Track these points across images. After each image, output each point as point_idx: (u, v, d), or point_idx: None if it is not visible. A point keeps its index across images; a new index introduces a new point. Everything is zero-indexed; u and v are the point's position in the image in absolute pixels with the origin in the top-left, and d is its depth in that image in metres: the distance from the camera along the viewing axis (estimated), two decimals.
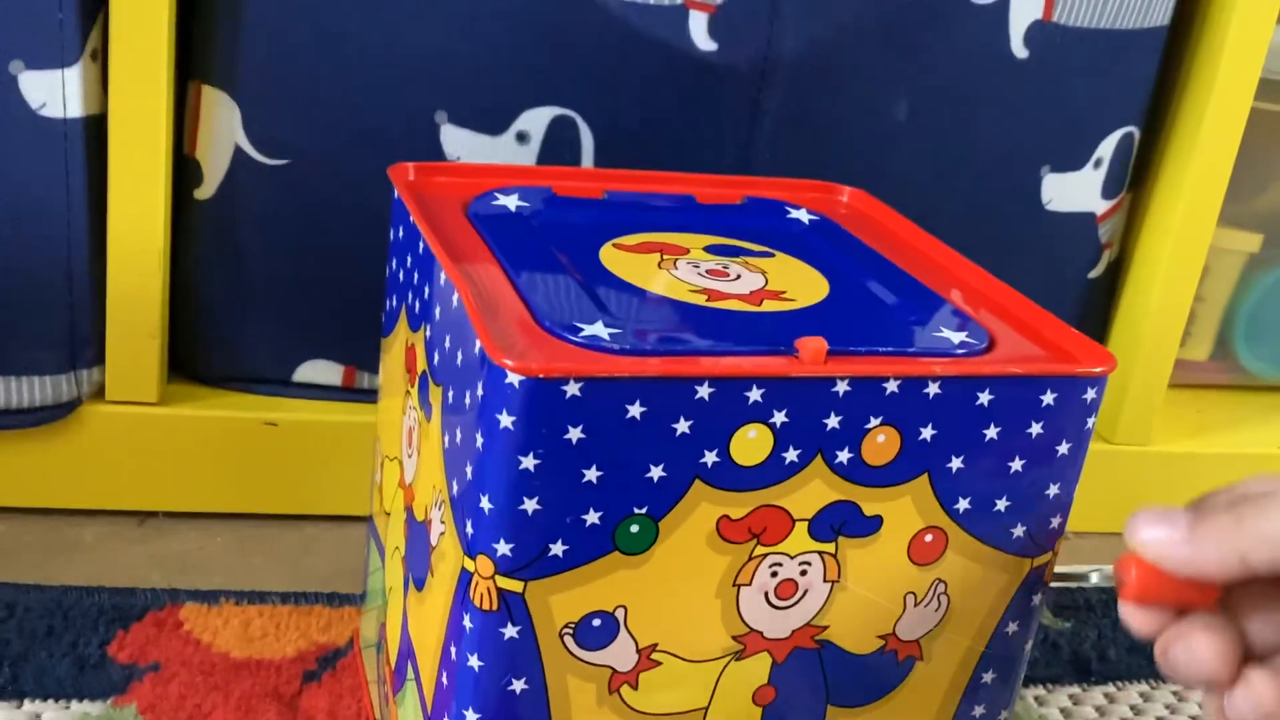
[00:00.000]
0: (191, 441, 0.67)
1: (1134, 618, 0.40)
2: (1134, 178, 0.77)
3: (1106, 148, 0.73)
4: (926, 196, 0.69)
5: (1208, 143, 0.73)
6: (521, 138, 0.65)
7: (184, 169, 0.65)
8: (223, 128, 0.64)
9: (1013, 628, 0.44)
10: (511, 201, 0.50)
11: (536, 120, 0.65)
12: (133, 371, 0.65)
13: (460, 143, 0.64)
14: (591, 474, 0.37)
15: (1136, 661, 0.65)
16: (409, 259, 0.48)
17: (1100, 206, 0.75)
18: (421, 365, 0.45)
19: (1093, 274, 0.77)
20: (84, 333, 0.64)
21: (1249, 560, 0.37)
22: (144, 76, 0.60)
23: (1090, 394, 0.41)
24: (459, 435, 0.39)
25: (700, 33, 0.64)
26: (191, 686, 0.56)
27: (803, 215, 0.53)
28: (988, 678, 0.44)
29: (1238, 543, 0.37)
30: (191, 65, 0.64)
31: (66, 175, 0.61)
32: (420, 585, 0.45)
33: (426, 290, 0.45)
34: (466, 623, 0.39)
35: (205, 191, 0.65)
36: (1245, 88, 0.72)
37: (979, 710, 0.45)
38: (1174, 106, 0.75)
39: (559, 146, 0.65)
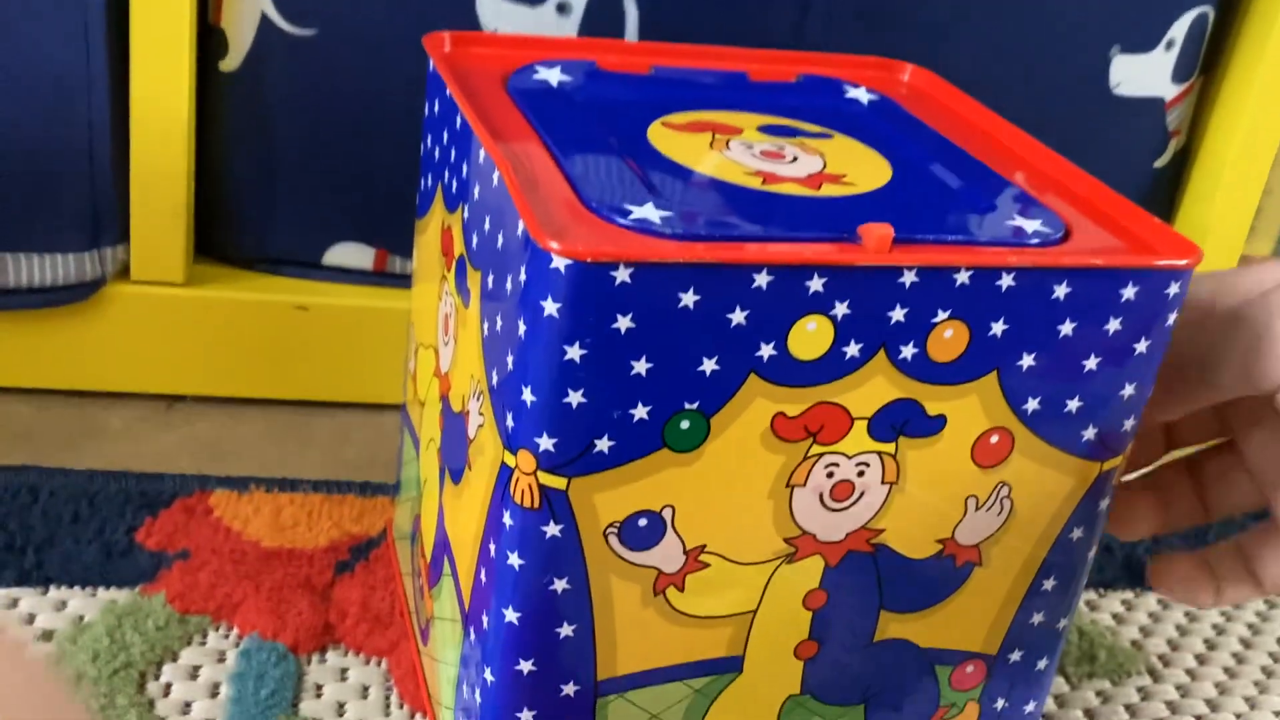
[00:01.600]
0: (220, 324, 0.65)
1: None
2: (1205, 62, 0.73)
3: (1180, 28, 0.69)
4: (988, 79, 0.66)
5: None
6: (562, 9, 0.62)
7: (209, 39, 0.62)
8: None
9: (1077, 534, 0.42)
10: (554, 76, 0.47)
11: None
12: (158, 250, 0.64)
13: (498, 13, 0.61)
14: (640, 366, 0.35)
15: None
16: (445, 135, 0.45)
17: (1170, 91, 0.71)
18: (459, 248, 0.43)
19: (1159, 163, 0.74)
20: (107, 210, 0.62)
21: None
22: None
23: (1174, 288, 0.38)
24: (499, 323, 0.37)
25: None
26: (221, 575, 0.55)
27: (862, 94, 0.50)
28: (1048, 585, 0.43)
29: None
30: None
31: (87, 45, 0.59)
32: (457, 478, 0.43)
33: (464, 168, 0.42)
34: (506, 519, 0.37)
35: (231, 63, 0.63)
36: None
37: (1038, 618, 0.43)
38: None
39: (601, 19, 0.62)
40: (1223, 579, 0.43)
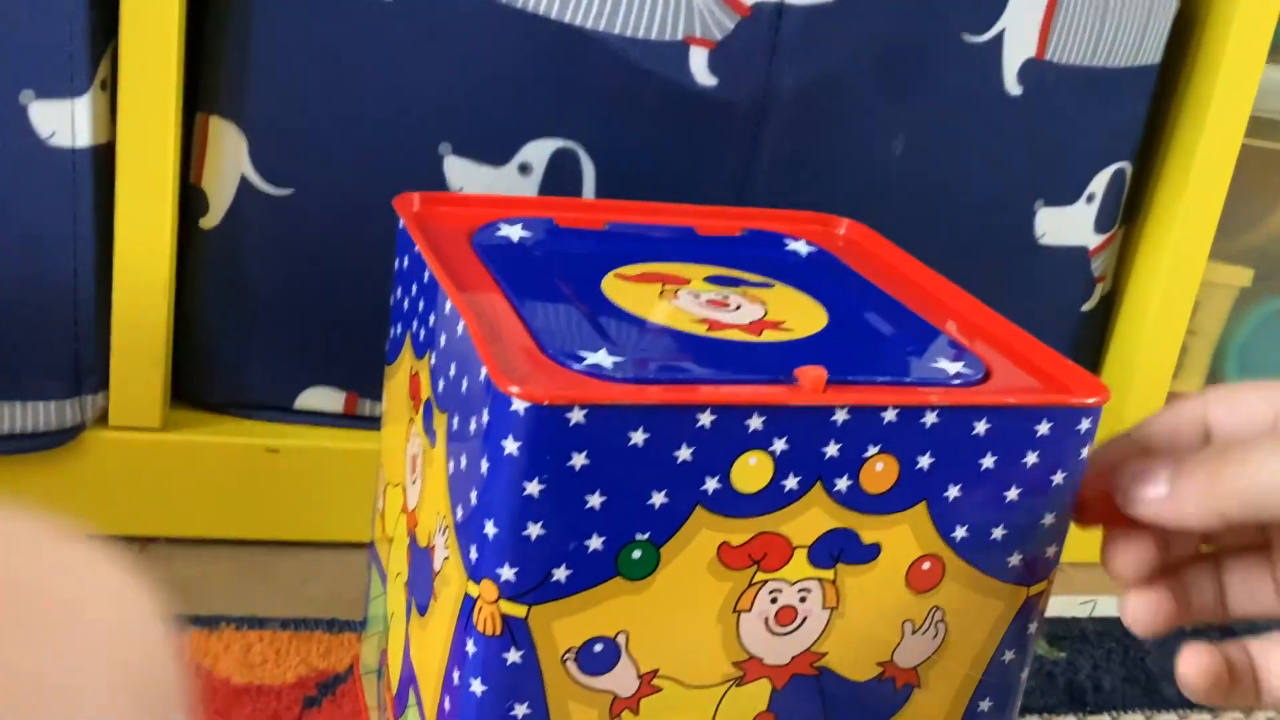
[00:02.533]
0: (194, 467, 0.67)
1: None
2: (1126, 213, 0.78)
3: (1099, 183, 0.74)
4: (921, 230, 0.70)
5: (1199, 179, 0.74)
6: (524, 169, 0.66)
7: (190, 198, 0.66)
8: (229, 158, 0.65)
9: (1009, 655, 0.44)
10: (515, 232, 0.51)
11: (539, 152, 0.65)
12: (136, 397, 0.66)
13: (463, 173, 0.65)
14: (595, 500, 0.37)
15: (1132, 691, 0.66)
16: (414, 287, 0.49)
17: (1093, 241, 0.76)
18: (426, 392, 0.46)
19: (1086, 307, 0.78)
20: (89, 359, 0.65)
21: (1227, 516, 0.39)
22: (153, 107, 0.61)
23: (1085, 424, 0.41)
24: (464, 461, 0.40)
25: (700, 68, 0.65)
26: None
27: (801, 247, 0.54)
28: (985, 706, 0.45)
29: (1215, 501, 0.39)
30: (199, 96, 0.64)
31: (74, 204, 0.62)
32: (423, 610, 0.45)
33: (431, 318, 0.46)
34: (469, 647, 0.39)
35: (211, 220, 0.66)
36: (1236, 125, 0.74)
37: None
38: (1166, 143, 0.76)
39: (561, 178, 0.66)
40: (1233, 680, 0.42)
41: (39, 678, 0.22)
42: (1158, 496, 0.40)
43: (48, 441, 0.65)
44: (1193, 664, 0.41)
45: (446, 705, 0.41)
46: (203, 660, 0.59)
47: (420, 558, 0.46)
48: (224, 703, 0.57)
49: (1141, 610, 0.43)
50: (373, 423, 0.70)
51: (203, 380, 0.69)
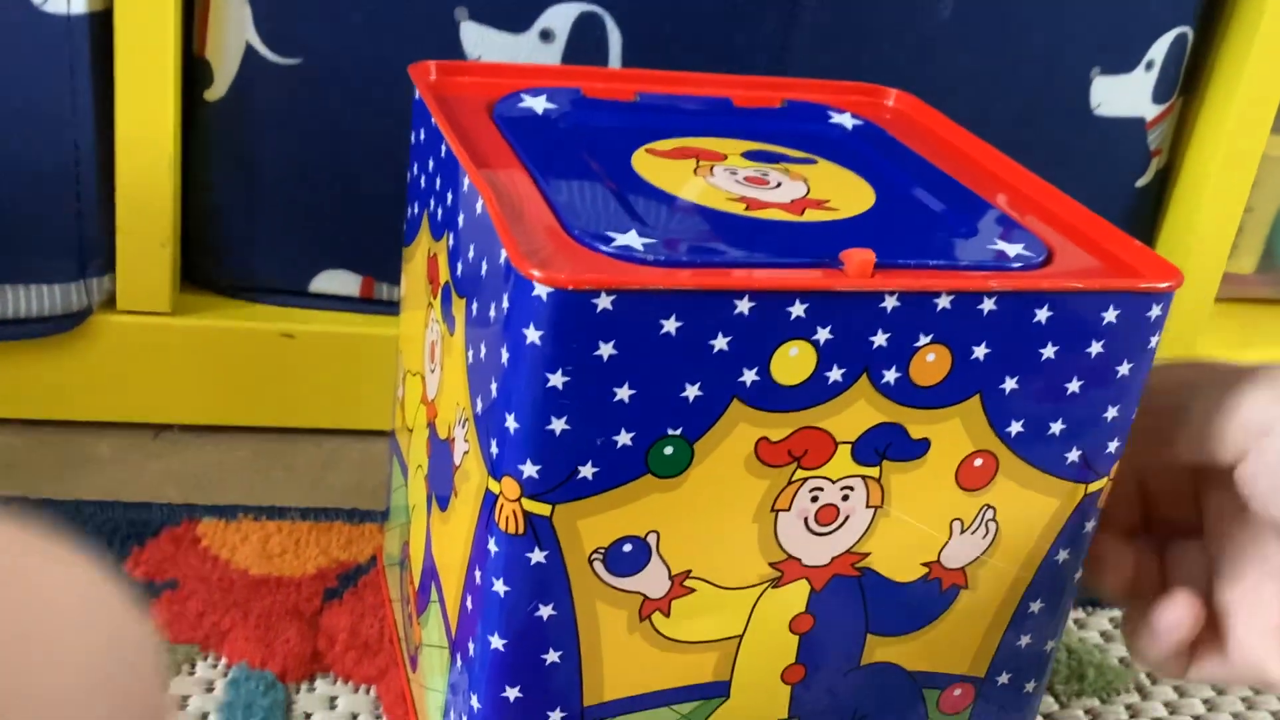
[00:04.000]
0: (206, 353, 0.65)
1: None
2: (1185, 82, 0.73)
3: (1159, 49, 0.70)
4: (970, 100, 0.66)
5: (1263, 47, 0.70)
6: (545, 36, 0.62)
7: (193, 69, 0.63)
8: (233, 25, 0.61)
9: (1063, 555, 0.42)
10: (539, 103, 0.47)
11: (561, 17, 0.61)
12: (144, 280, 0.64)
13: (481, 40, 0.61)
14: (623, 393, 0.35)
15: None
16: (431, 163, 0.45)
17: (1150, 111, 0.72)
18: (444, 276, 0.43)
19: (1140, 182, 0.74)
20: (93, 240, 0.62)
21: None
22: None
23: (1155, 310, 0.38)
24: (483, 350, 0.37)
25: None
26: (209, 604, 0.55)
27: (846, 120, 0.50)
28: (1035, 607, 0.43)
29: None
30: None
31: (71, 75, 0.59)
32: (444, 505, 0.43)
33: (449, 196, 0.43)
34: (491, 546, 0.37)
35: (216, 92, 0.63)
36: None
37: (1025, 640, 0.43)
38: (1229, 8, 0.71)
39: (585, 46, 0.62)
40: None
41: (3, 689, 0.21)
42: None
43: (54, 326, 0.63)
44: (1180, 611, 0.41)
45: (469, 604, 0.39)
46: (220, 551, 0.58)
47: (440, 450, 0.44)
48: (242, 594, 0.55)
49: (1100, 562, 0.44)
50: (391, 307, 0.68)
51: (213, 263, 0.67)
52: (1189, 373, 0.42)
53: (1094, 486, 0.41)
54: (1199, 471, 0.43)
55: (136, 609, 0.24)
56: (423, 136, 0.47)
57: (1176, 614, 0.41)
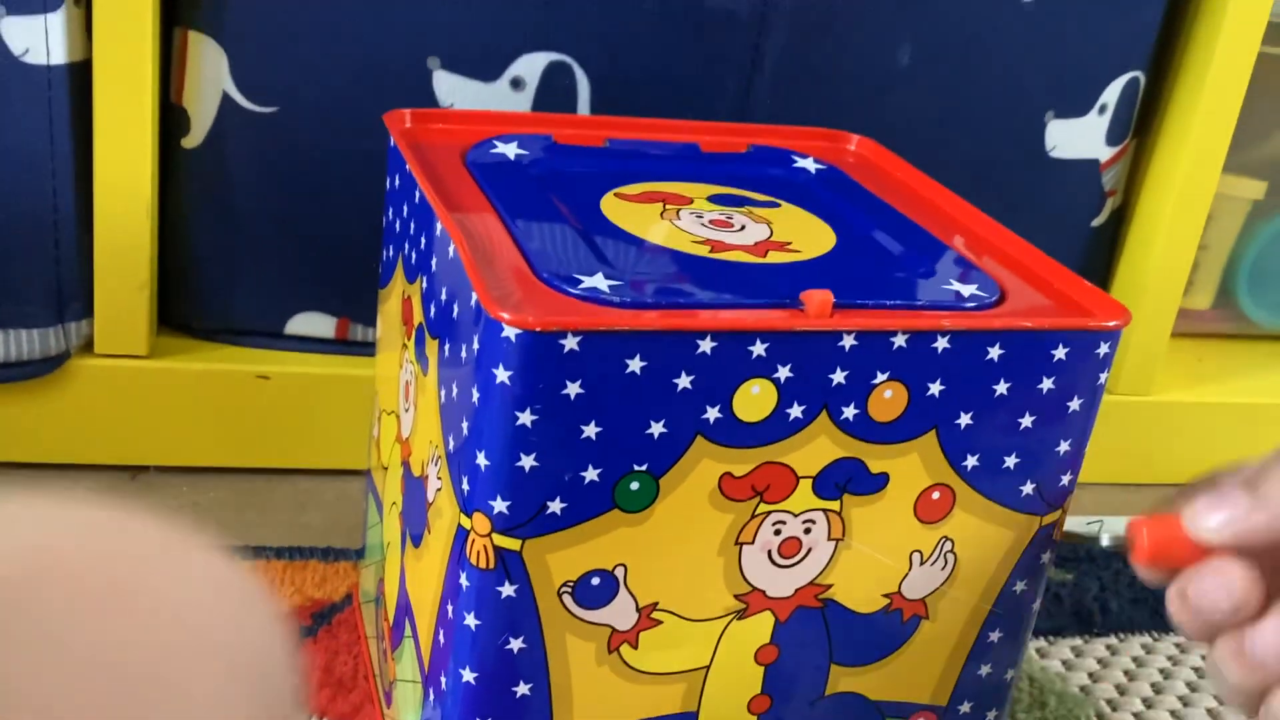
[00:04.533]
0: (183, 395, 0.66)
1: (1152, 572, 0.39)
2: (1139, 124, 0.75)
3: (1111, 93, 0.72)
4: (928, 143, 0.68)
5: (1214, 89, 0.72)
6: (516, 84, 0.63)
7: (171, 117, 0.64)
8: (210, 75, 0.62)
9: (1020, 586, 0.43)
10: (511, 150, 0.49)
11: (531, 66, 0.63)
12: (122, 324, 0.64)
13: (453, 89, 0.63)
14: (590, 430, 0.36)
15: (1139, 614, 0.65)
16: (405, 208, 0.47)
17: (1104, 153, 0.74)
18: (418, 318, 0.44)
19: (1096, 222, 0.76)
20: (72, 285, 0.63)
21: None
22: (129, 21, 0.59)
23: (1103, 348, 0.40)
24: (455, 390, 0.39)
25: None
26: None
27: (809, 164, 0.52)
28: (994, 636, 0.44)
29: None
30: (177, 11, 0.62)
31: (50, 124, 0.60)
32: (417, 542, 0.44)
33: (423, 240, 0.44)
34: (463, 581, 0.38)
35: (193, 140, 0.64)
36: (1252, 33, 0.71)
37: (985, 669, 0.44)
38: (1180, 52, 0.73)
39: (555, 93, 0.63)
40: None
41: (147, 675, 0.22)
42: (1241, 517, 0.37)
43: (32, 370, 0.63)
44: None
45: (441, 638, 0.40)
46: None
47: (414, 487, 0.45)
48: None
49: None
50: (365, 348, 0.69)
51: (190, 306, 0.68)
52: None
53: (1048, 519, 0.42)
54: None
55: (270, 598, 0.25)
56: (398, 182, 0.48)
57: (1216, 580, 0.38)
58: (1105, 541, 0.45)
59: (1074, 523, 0.70)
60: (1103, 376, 0.40)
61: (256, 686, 0.23)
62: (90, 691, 0.20)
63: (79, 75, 0.60)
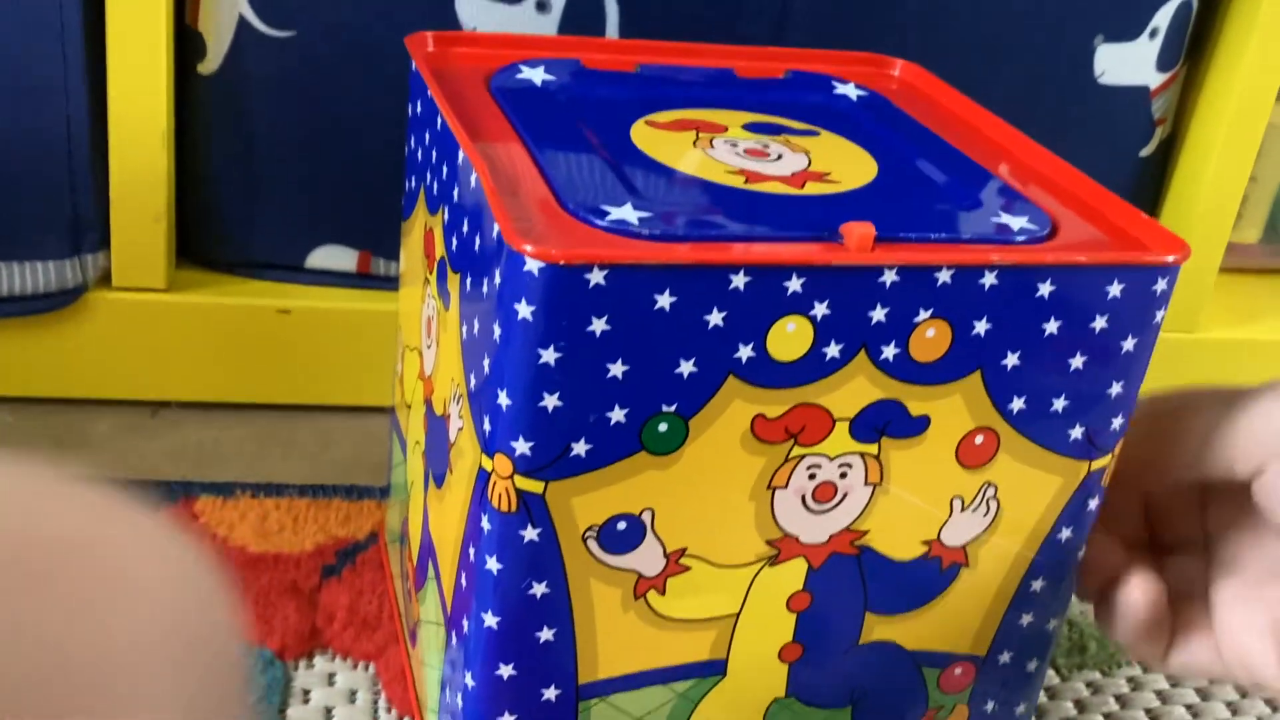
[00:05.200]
0: (202, 329, 0.65)
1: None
2: (1190, 50, 0.72)
3: (1163, 17, 0.69)
4: (971, 69, 0.65)
5: (1269, 15, 0.69)
6: (541, 6, 0.61)
7: (186, 41, 0.62)
8: None
9: (1066, 534, 0.41)
10: (537, 75, 0.47)
11: None
12: (139, 256, 0.63)
13: (477, 12, 0.61)
14: (617, 369, 0.34)
15: None
16: (427, 136, 0.45)
17: (1155, 80, 0.71)
18: (440, 251, 0.43)
19: (1144, 152, 0.73)
20: (87, 216, 0.62)
21: None
22: None
23: (1161, 285, 0.38)
24: (477, 326, 0.37)
25: None
26: None
27: (850, 90, 0.50)
28: (1037, 585, 0.42)
29: None
30: None
31: (63, 47, 0.58)
32: (440, 482, 0.42)
33: (445, 170, 0.42)
34: (484, 524, 0.37)
35: (209, 65, 0.62)
36: None
37: (1027, 619, 0.43)
38: None
39: (581, 16, 0.61)
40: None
41: (85, 652, 0.20)
42: None
43: (49, 303, 0.62)
44: (1137, 591, 0.40)
45: (463, 581, 0.39)
46: (217, 528, 0.58)
47: (436, 426, 0.43)
48: (240, 572, 0.55)
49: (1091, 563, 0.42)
50: (388, 283, 0.67)
51: (209, 238, 0.66)
52: (1184, 396, 0.42)
53: (1098, 464, 0.41)
54: (1202, 488, 0.43)
55: (210, 565, 0.24)
56: (419, 109, 0.46)
57: (1135, 594, 0.40)
58: None
59: None
60: (1159, 314, 0.38)
61: (205, 676, 0.22)
62: (22, 672, 0.19)
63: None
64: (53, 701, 0.19)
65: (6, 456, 0.23)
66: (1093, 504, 0.41)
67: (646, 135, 0.43)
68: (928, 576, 0.41)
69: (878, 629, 0.41)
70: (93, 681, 0.20)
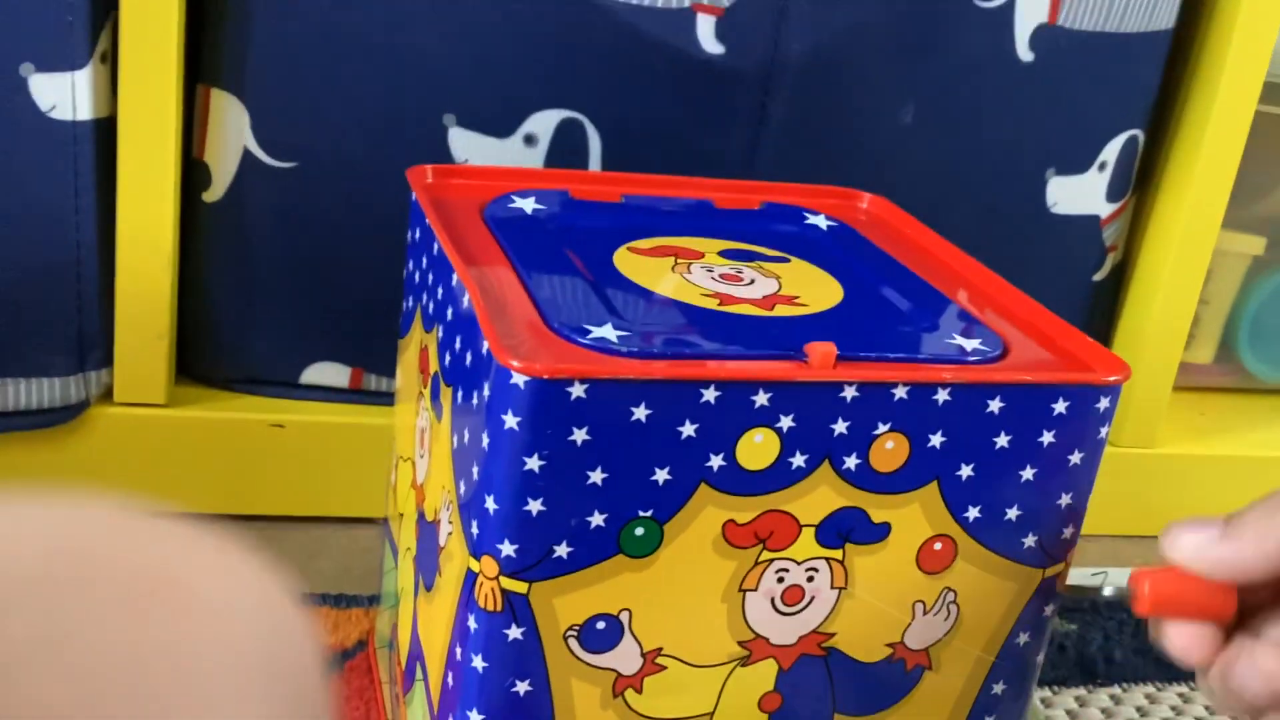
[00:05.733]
0: (199, 443, 0.67)
1: (1174, 640, 0.39)
2: (1138, 181, 0.77)
3: (1111, 151, 0.73)
4: (931, 200, 0.69)
5: (1212, 146, 0.73)
6: (529, 140, 0.65)
7: (192, 172, 0.65)
8: (231, 131, 0.64)
9: (1024, 638, 0.44)
10: (528, 204, 0.50)
11: (544, 122, 0.64)
12: (141, 373, 0.65)
13: (468, 145, 0.64)
14: (596, 476, 0.37)
15: (1142, 663, 0.65)
16: (424, 260, 0.48)
17: (1105, 209, 0.75)
18: (434, 366, 0.45)
19: (1097, 276, 0.77)
20: (92, 334, 0.64)
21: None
22: (153, 79, 0.60)
23: (1104, 403, 0.41)
24: (467, 436, 0.40)
25: (708, 36, 0.64)
26: None
27: (821, 221, 0.53)
28: (998, 688, 0.44)
29: (1276, 530, 0.37)
30: (200, 68, 0.64)
31: (75, 177, 0.61)
32: (429, 586, 0.45)
33: (440, 291, 0.45)
34: (471, 623, 0.39)
35: (214, 194, 0.65)
36: (1249, 91, 0.72)
37: None
38: (1178, 110, 0.75)
39: (567, 149, 0.65)
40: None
41: (172, 681, 0.21)
42: (1210, 539, 0.38)
43: (52, 418, 0.65)
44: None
45: (449, 681, 0.41)
46: None
47: (427, 532, 0.45)
48: None
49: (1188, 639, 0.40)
50: (378, 398, 0.70)
51: (208, 356, 0.69)
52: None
53: (1051, 571, 0.43)
54: None
55: (299, 604, 0.24)
56: (417, 235, 0.49)
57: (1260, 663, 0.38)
58: (1108, 592, 0.45)
59: (1078, 574, 0.71)
60: (1103, 430, 0.41)
61: (287, 700, 0.23)
62: (111, 696, 0.20)
63: (104, 131, 0.62)
64: None
65: (88, 493, 0.24)
66: (1048, 609, 0.44)
67: (628, 260, 0.46)
68: (893, 678, 0.43)
69: None
70: (179, 708, 0.21)
